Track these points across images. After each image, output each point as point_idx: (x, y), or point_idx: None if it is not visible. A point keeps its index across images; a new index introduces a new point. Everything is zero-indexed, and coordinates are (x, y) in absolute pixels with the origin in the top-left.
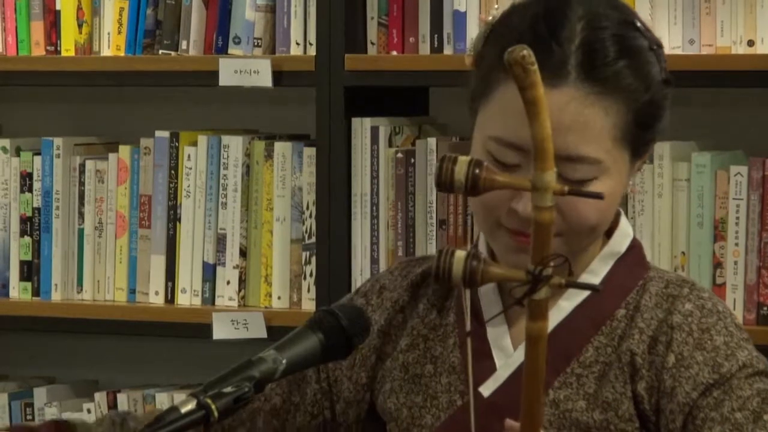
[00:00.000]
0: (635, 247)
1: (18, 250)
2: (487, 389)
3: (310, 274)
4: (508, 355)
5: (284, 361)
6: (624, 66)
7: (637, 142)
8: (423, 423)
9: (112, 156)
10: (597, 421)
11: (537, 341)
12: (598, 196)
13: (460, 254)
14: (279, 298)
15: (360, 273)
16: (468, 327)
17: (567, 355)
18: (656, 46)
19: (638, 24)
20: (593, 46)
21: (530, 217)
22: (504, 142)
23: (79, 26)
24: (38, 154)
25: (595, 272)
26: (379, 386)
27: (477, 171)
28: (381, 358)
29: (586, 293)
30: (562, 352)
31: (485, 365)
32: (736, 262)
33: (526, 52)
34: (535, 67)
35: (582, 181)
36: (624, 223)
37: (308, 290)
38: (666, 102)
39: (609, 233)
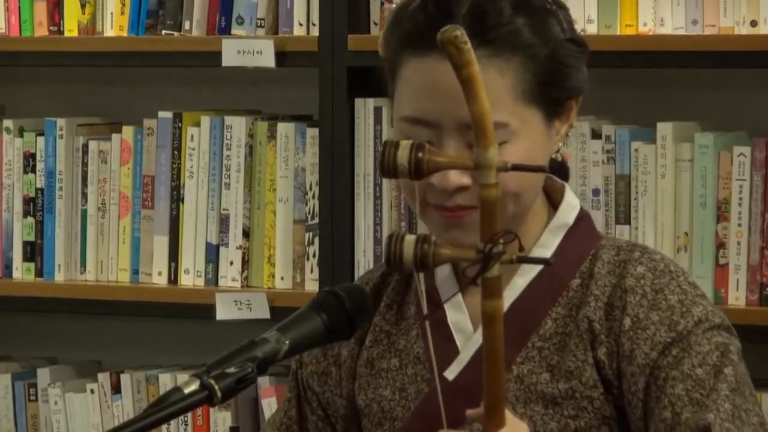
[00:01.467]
0: (584, 217)
1: (21, 231)
2: (451, 373)
3: (313, 255)
4: (468, 337)
5: (287, 342)
6: (518, 25)
7: (546, 100)
8: (394, 416)
9: (115, 136)
10: (562, 390)
11: (493, 319)
12: (541, 169)
13: (410, 238)
14: (282, 278)
15: (363, 253)
16: (425, 310)
17: (526, 330)
18: (555, 6)
19: None
20: (482, 8)
21: (446, 189)
22: (412, 119)
23: (82, 6)
24: (41, 134)
25: (546, 245)
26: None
27: (420, 154)
28: (356, 362)
29: (539, 268)
30: (521, 328)
31: (448, 350)
32: (739, 243)
33: (458, 32)
34: (468, 45)
35: None
36: (569, 195)
37: (311, 271)
38: (573, 60)
39: (555, 207)
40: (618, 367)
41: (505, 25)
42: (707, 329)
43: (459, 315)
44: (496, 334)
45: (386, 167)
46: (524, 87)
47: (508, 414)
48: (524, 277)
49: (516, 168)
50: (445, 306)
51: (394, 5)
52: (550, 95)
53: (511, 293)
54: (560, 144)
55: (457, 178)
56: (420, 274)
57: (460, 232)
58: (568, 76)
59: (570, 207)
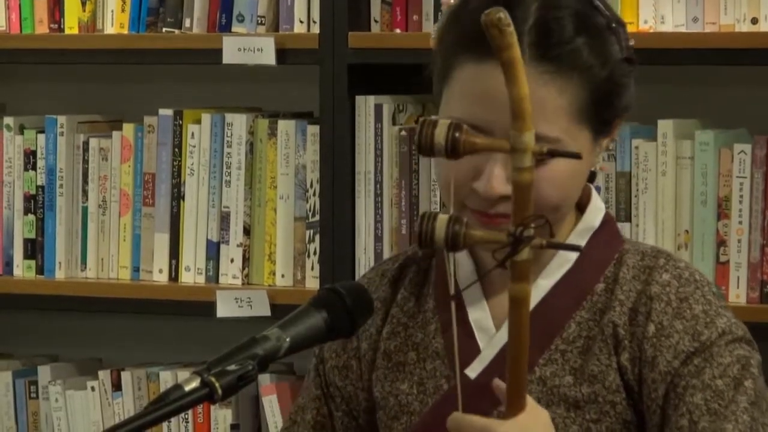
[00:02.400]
0: (609, 221)
1: (22, 228)
2: (473, 371)
3: (314, 252)
4: (490, 335)
5: (288, 339)
6: (580, 45)
7: (597, 119)
8: (411, 410)
9: (115, 134)
10: (585, 394)
11: (520, 303)
12: (576, 155)
13: (443, 218)
14: (283, 276)
15: (364, 251)
16: (452, 290)
17: (550, 332)
18: (615, 23)
19: (596, 3)
20: (547, 25)
21: (490, 198)
22: (465, 123)
23: (83, 4)
24: (42, 132)
25: None
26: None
27: (457, 134)
28: (375, 353)
29: (564, 270)
30: (544, 330)
31: (469, 347)
32: (739, 241)
33: (502, 14)
34: (512, 28)
35: (541, 160)
36: (596, 198)
37: (312, 268)
38: (626, 80)
39: (582, 209)
40: (640, 373)
41: (567, 44)
42: (730, 341)
43: (481, 314)
44: (522, 317)
45: (423, 144)
46: (579, 106)
47: (530, 399)
48: (548, 279)
49: (552, 153)
50: (467, 305)
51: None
52: (602, 115)
53: (535, 294)
54: (599, 158)
55: (502, 187)
56: (450, 256)
57: None
58: (620, 96)
59: (596, 210)
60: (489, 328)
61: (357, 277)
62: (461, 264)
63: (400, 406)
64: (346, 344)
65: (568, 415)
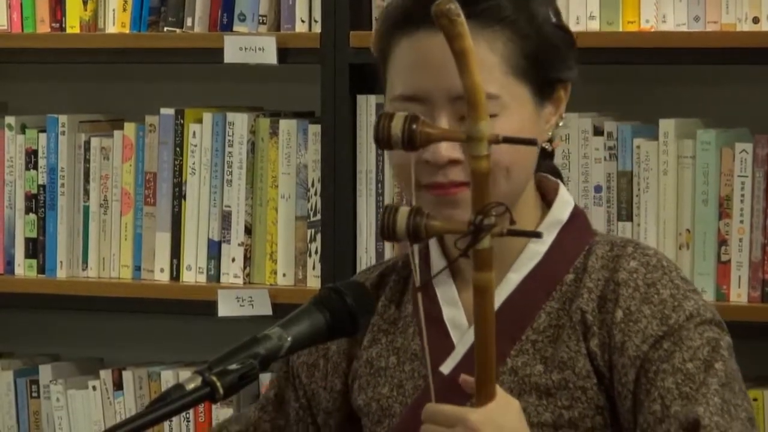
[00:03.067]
0: (578, 214)
1: (23, 228)
2: (446, 367)
3: (315, 252)
4: (463, 332)
5: (289, 339)
6: (498, 1)
7: (535, 77)
8: (393, 413)
9: (117, 133)
10: (555, 381)
11: (484, 291)
12: (531, 142)
13: (404, 210)
14: (284, 275)
15: (365, 250)
16: (417, 282)
17: (521, 324)
18: None
19: None
20: None
21: (438, 162)
22: (404, 96)
23: (84, 3)
24: (43, 131)
25: (541, 241)
26: (351, 387)
27: (414, 126)
28: (350, 361)
29: (533, 263)
30: (515, 322)
31: (444, 345)
32: (741, 240)
33: (452, 5)
34: (461, 18)
35: None
36: (563, 192)
37: (313, 267)
38: (561, 46)
39: (549, 204)
40: (609, 359)
41: (488, 0)
42: (698, 324)
43: (454, 311)
44: (487, 306)
45: (381, 138)
46: (513, 62)
47: (499, 389)
48: (518, 272)
49: (507, 140)
50: (441, 303)
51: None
52: (539, 74)
53: (505, 288)
54: (550, 134)
55: (449, 151)
56: (415, 253)
57: (452, 209)
58: (556, 58)
59: (564, 204)
60: (462, 324)
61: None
62: (434, 261)
63: (382, 410)
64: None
65: (540, 402)
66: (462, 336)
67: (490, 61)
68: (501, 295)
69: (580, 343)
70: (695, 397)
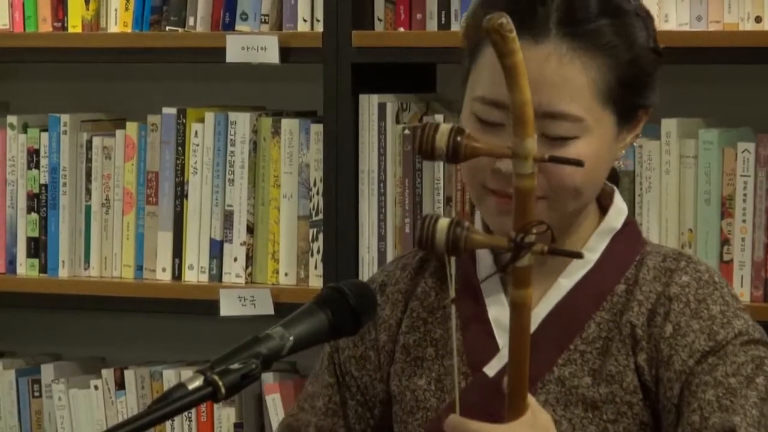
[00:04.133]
0: (631, 223)
1: (25, 227)
2: (491, 369)
3: (318, 251)
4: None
5: (291, 338)
6: (605, 24)
7: (622, 104)
8: (428, 406)
9: (119, 132)
10: (603, 394)
11: (522, 308)
12: (578, 163)
13: (444, 221)
14: (286, 274)
15: (367, 250)
16: (452, 294)
17: (570, 332)
18: (643, 13)
19: None
20: (572, 3)
21: (511, 171)
22: (487, 100)
23: (86, 2)
24: (45, 130)
25: (593, 249)
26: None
27: (458, 138)
28: (395, 346)
29: (584, 270)
30: (564, 330)
31: (488, 345)
32: (743, 239)
33: (504, 20)
34: (513, 34)
35: (563, 138)
36: (618, 199)
37: (315, 267)
38: (652, 70)
39: (604, 210)
40: (656, 373)
41: (592, 22)
42: (745, 342)
43: (500, 311)
44: (523, 323)
45: (424, 149)
46: (604, 87)
47: (532, 401)
48: (569, 279)
49: (553, 159)
50: (486, 301)
51: None
52: (627, 101)
53: (555, 294)
54: (623, 153)
55: None
56: (452, 265)
57: (510, 219)
58: (646, 85)
59: (618, 212)
60: (507, 325)
61: (360, 276)
62: (480, 257)
63: (416, 401)
64: (364, 335)
65: (586, 415)
66: (508, 338)
67: (580, 83)
68: (551, 300)
69: (629, 358)
70: (733, 408)
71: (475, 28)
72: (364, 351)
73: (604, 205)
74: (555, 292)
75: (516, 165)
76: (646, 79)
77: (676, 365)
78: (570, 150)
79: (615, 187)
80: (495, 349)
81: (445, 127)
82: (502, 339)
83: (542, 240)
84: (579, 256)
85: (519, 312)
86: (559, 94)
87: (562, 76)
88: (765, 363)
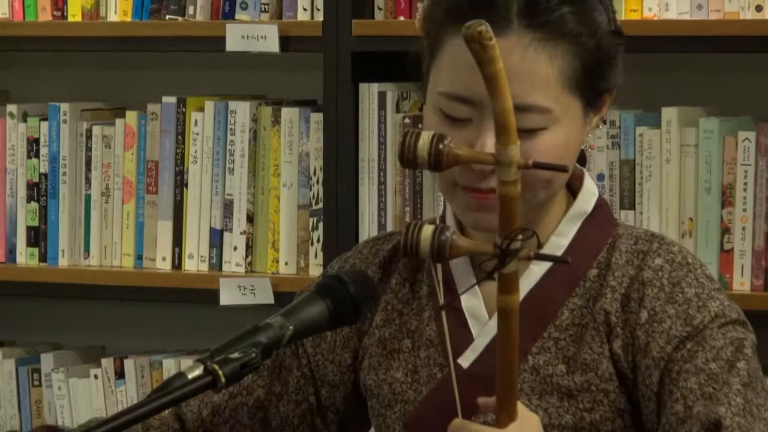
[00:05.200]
0: (602, 205)
1: (25, 216)
2: (465, 360)
3: (318, 240)
4: (483, 323)
5: (291, 327)
6: (567, 12)
7: (588, 90)
8: (406, 398)
9: (119, 121)
10: (578, 383)
11: (509, 314)
12: (562, 168)
13: (428, 228)
14: (286, 263)
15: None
16: (441, 301)
17: (543, 320)
18: None
19: None
20: None
21: (482, 170)
22: (453, 96)
23: None
24: (45, 119)
25: (564, 233)
26: (360, 364)
27: (440, 146)
28: (360, 336)
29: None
30: (537, 317)
31: (462, 336)
32: (744, 228)
33: (483, 27)
34: (493, 41)
35: (532, 130)
36: (588, 182)
37: (315, 256)
38: (615, 52)
39: (574, 194)
40: (633, 360)
41: (554, 11)
42: (723, 324)
43: (474, 301)
44: (511, 329)
45: (406, 157)
46: (570, 75)
47: (520, 406)
48: (541, 265)
49: (537, 166)
50: (459, 292)
51: None
52: (592, 86)
53: (527, 281)
54: (590, 136)
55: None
56: (438, 272)
57: (484, 215)
58: (610, 68)
59: (589, 194)
60: (482, 315)
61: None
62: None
63: (393, 394)
64: None
65: (562, 404)
66: (482, 328)
67: (546, 74)
68: (524, 287)
69: (603, 345)
70: (717, 397)
71: (434, 21)
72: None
73: (573, 189)
74: (527, 279)
75: (499, 172)
76: (609, 62)
77: (653, 352)
78: (539, 141)
79: (584, 169)
80: (469, 340)
81: (426, 135)
82: (476, 329)
83: (527, 243)
84: (565, 261)
85: (507, 318)
86: (525, 87)
87: (527, 68)
88: (744, 345)
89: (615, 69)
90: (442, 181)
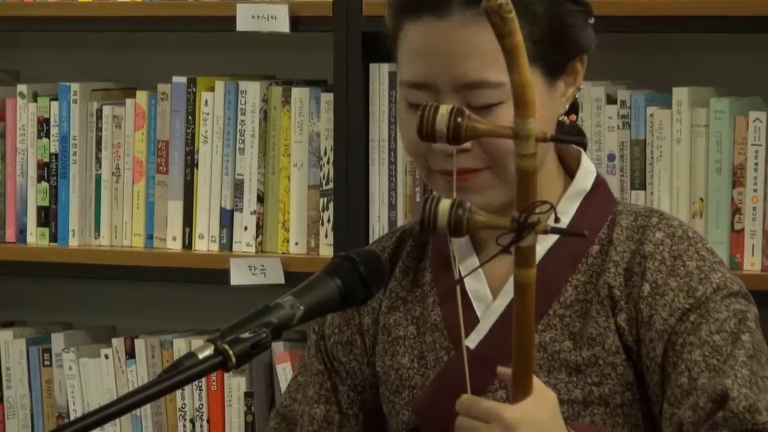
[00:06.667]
0: (601, 183)
1: (35, 196)
2: (472, 342)
3: (328, 220)
4: (487, 305)
5: (302, 307)
6: None
7: (546, 60)
8: (413, 384)
9: (129, 101)
10: (585, 358)
11: (526, 288)
12: (580, 142)
13: (446, 202)
14: (296, 243)
15: (378, 219)
16: (456, 275)
17: (548, 297)
18: None
19: None
20: None
21: (446, 150)
22: (411, 84)
23: None
24: (55, 99)
25: (564, 212)
26: (371, 350)
27: (459, 120)
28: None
29: (557, 236)
30: (542, 295)
31: (467, 317)
32: (754, 208)
33: (503, 0)
34: (513, 14)
35: (488, 106)
36: (586, 161)
37: (326, 236)
38: (572, 20)
39: (571, 174)
40: (637, 333)
41: None
42: (725, 296)
43: (477, 283)
44: (527, 303)
45: (424, 131)
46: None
47: (537, 381)
48: (543, 244)
49: (554, 139)
50: (463, 272)
51: None
52: (551, 56)
53: None
54: (566, 107)
55: None
56: (453, 246)
57: (465, 196)
58: (568, 36)
59: (587, 173)
60: (486, 296)
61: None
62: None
63: (401, 380)
64: (349, 320)
65: (570, 379)
66: (486, 309)
67: (492, 48)
68: None
69: (609, 319)
70: (723, 369)
71: (391, 11)
72: (350, 336)
73: (571, 169)
74: None
75: (518, 145)
76: (568, 30)
77: (657, 325)
78: (498, 116)
79: (582, 150)
80: (475, 321)
81: (444, 108)
82: (480, 310)
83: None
84: (582, 235)
85: (523, 291)
86: (473, 63)
87: (472, 44)
88: (747, 317)
89: (576, 36)
90: (420, 169)
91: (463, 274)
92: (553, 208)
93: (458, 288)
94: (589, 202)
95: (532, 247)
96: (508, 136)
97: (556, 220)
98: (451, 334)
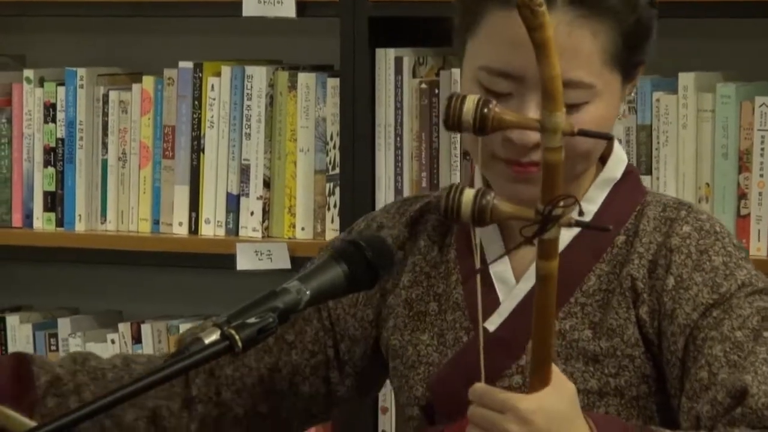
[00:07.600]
0: (631, 172)
1: (42, 181)
2: (492, 324)
3: (334, 205)
4: (510, 287)
5: (308, 292)
6: None
7: (627, 64)
8: (430, 360)
9: (135, 86)
10: (604, 348)
11: (548, 279)
12: (607, 136)
13: (470, 192)
14: (303, 228)
15: (383, 204)
16: (478, 264)
17: (570, 285)
18: None
19: None
20: None
21: (526, 144)
22: (494, 71)
23: None
24: (62, 84)
25: (592, 200)
26: (383, 323)
27: (485, 110)
28: (384, 294)
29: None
30: (564, 283)
31: (489, 299)
32: (760, 194)
33: None
34: (543, 8)
35: (574, 105)
36: (618, 149)
37: (332, 221)
38: (652, 24)
39: (603, 160)
40: (659, 326)
41: None
42: (750, 293)
43: (501, 266)
44: (549, 295)
45: (451, 121)
46: (612, 51)
47: (556, 372)
48: (569, 231)
49: (582, 133)
50: (488, 257)
51: None
52: (631, 59)
53: None
54: (624, 105)
55: (536, 135)
56: (476, 235)
57: (525, 187)
58: (647, 40)
59: (618, 161)
60: (509, 279)
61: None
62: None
63: (418, 356)
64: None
65: (587, 369)
66: (509, 292)
67: (589, 50)
68: None
69: (630, 311)
70: (743, 365)
71: None
72: (358, 299)
73: (603, 155)
74: None
75: (544, 138)
76: (647, 34)
77: (679, 319)
78: (582, 116)
79: (614, 136)
80: (496, 303)
81: (471, 99)
82: (503, 293)
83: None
84: (606, 229)
85: (545, 283)
86: (569, 63)
87: (571, 44)
88: None
89: (651, 40)
90: (481, 152)
91: (488, 259)
92: (577, 202)
93: (478, 277)
94: (617, 191)
95: (555, 239)
96: (535, 129)
97: (581, 213)
98: (472, 315)
